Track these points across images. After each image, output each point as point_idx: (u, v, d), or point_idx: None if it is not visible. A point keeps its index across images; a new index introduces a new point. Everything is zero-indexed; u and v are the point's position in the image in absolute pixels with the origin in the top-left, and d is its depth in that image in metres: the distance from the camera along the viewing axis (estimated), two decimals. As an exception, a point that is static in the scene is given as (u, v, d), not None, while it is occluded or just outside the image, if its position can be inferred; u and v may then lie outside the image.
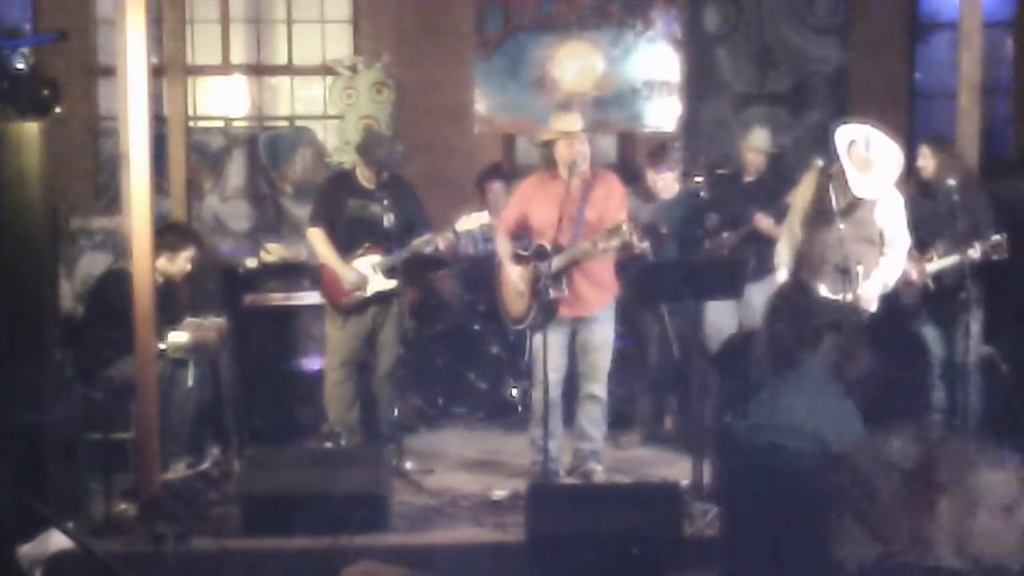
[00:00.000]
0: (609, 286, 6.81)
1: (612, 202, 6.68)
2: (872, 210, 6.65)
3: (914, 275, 7.01)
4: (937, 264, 7.01)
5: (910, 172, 7.21)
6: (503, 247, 6.90)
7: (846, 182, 6.52)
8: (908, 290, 7.05)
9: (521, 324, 6.79)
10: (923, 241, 7.04)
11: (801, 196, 6.89)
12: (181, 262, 7.05)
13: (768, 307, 6.25)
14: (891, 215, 6.70)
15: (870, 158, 6.49)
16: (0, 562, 5.29)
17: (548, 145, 6.74)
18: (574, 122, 6.72)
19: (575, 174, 6.59)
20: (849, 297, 6.42)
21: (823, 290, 6.67)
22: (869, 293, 6.61)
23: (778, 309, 5.98)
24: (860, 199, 6.61)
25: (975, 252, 6.79)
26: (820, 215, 6.67)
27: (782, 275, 6.89)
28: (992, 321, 7.21)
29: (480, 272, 8.05)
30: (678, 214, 7.69)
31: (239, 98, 9.58)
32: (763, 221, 7.62)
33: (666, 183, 7.75)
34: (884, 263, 6.69)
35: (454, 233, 7.35)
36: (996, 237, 6.82)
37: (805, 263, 6.79)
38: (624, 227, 6.39)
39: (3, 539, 5.29)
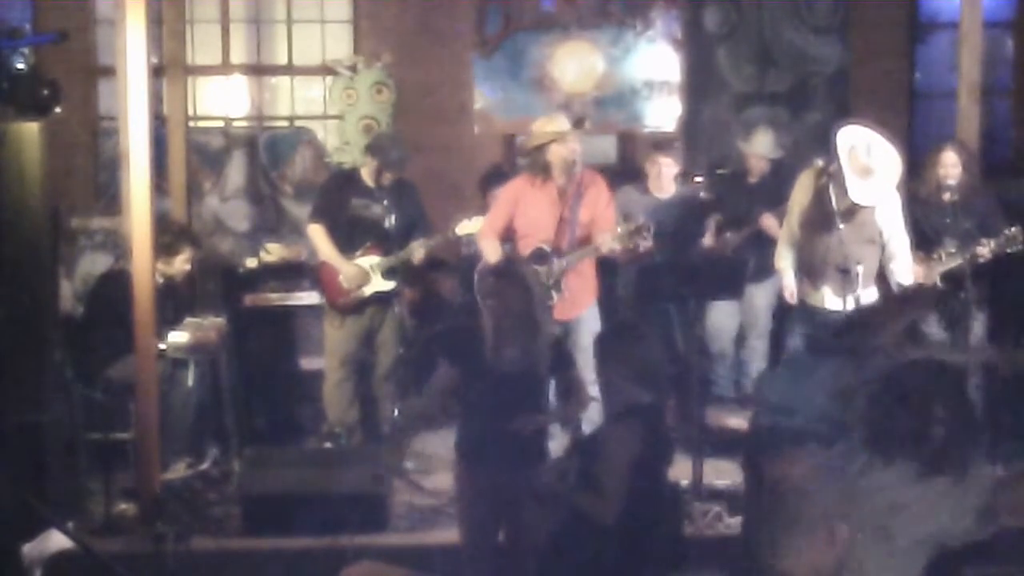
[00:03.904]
0: (594, 286, 6.79)
1: (602, 202, 6.65)
2: (872, 211, 6.63)
3: (921, 275, 6.99)
4: (945, 264, 7.00)
5: (913, 174, 7.19)
6: (493, 251, 6.80)
7: (845, 187, 6.50)
8: (917, 291, 7.04)
9: None
10: (931, 241, 7.02)
11: (799, 197, 6.86)
12: (179, 263, 7.05)
13: None
14: (891, 215, 6.68)
15: (870, 164, 6.41)
16: (0, 562, 5.28)
17: (538, 150, 6.68)
18: (562, 123, 6.65)
19: (571, 175, 6.55)
20: (850, 298, 6.39)
21: (827, 291, 6.67)
22: (906, 277, 6.60)
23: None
24: (860, 201, 6.60)
25: (986, 248, 6.76)
26: (820, 216, 6.65)
27: (786, 276, 6.87)
28: (994, 322, 7.20)
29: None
30: (675, 215, 7.70)
31: (239, 98, 9.57)
32: (769, 222, 7.61)
33: (667, 169, 7.73)
34: (898, 257, 6.66)
35: (453, 236, 7.34)
36: (1011, 230, 6.79)
37: (806, 264, 6.78)
38: (644, 226, 6.34)
39: (3, 539, 5.28)
